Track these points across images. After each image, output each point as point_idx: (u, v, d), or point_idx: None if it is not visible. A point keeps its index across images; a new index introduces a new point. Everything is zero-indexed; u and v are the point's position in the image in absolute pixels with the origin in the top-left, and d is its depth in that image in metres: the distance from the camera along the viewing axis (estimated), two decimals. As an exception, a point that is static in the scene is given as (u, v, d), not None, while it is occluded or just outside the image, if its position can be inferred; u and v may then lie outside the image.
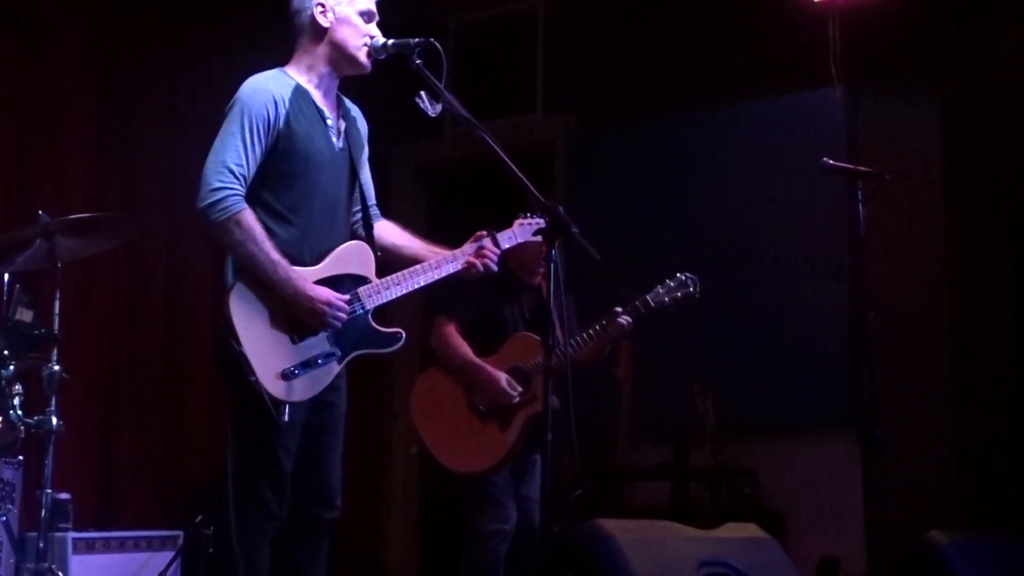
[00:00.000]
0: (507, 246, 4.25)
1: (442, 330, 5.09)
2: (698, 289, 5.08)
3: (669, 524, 4.67)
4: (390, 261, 4.09)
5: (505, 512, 4.97)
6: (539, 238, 4.42)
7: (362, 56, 3.95)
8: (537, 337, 4.99)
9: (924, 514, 5.88)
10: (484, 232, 4.17)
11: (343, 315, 3.82)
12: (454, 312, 5.09)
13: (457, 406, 5.03)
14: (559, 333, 4.51)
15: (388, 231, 4.17)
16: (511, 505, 4.99)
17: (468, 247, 4.12)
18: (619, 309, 5.02)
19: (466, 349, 5.06)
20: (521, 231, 4.34)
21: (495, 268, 4.14)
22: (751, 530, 4.77)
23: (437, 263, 4.05)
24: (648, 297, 5.04)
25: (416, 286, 4.03)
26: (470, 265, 4.09)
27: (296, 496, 3.88)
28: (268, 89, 3.84)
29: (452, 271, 4.07)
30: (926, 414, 6.16)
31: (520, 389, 4.96)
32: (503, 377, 4.97)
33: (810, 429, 6.42)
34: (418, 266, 4.04)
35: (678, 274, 5.09)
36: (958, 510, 6.03)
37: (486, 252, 4.10)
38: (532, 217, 4.39)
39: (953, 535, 4.66)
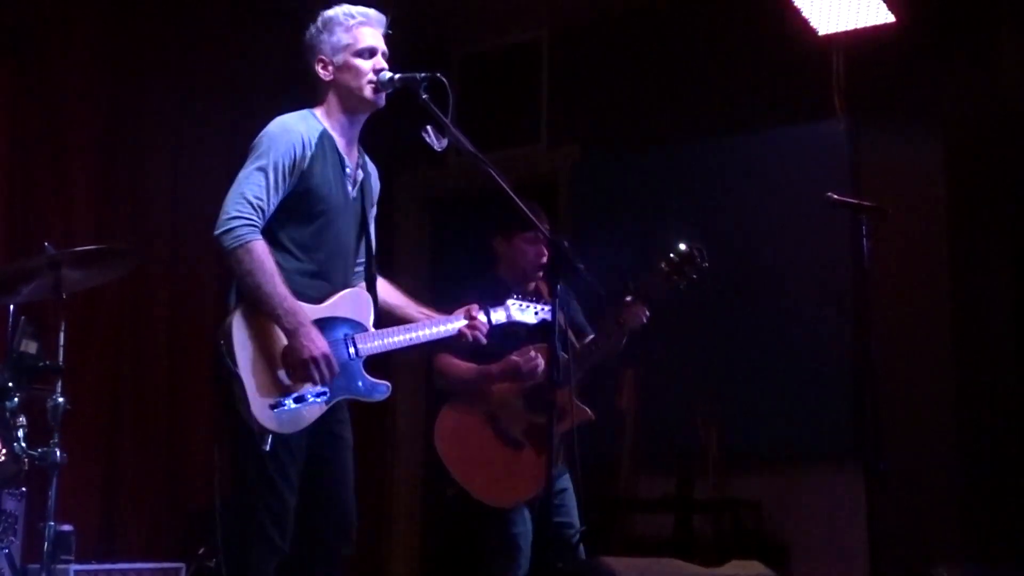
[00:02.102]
0: (496, 323, 4.31)
1: (441, 361, 4.89)
2: (706, 258, 4.80)
3: (674, 562, 4.64)
4: (383, 318, 4.12)
5: (522, 559, 4.79)
6: (528, 323, 4.44)
7: (369, 93, 3.98)
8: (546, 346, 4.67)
9: (929, 546, 5.87)
10: (475, 305, 4.24)
11: (329, 373, 3.81)
12: (450, 345, 4.75)
13: (486, 439, 4.82)
14: (565, 353, 4.44)
15: (385, 289, 4.21)
16: (527, 549, 4.86)
17: (459, 316, 4.20)
18: (629, 299, 4.83)
19: (469, 364, 4.84)
20: (509, 312, 4.39)
21: (484, 341, 4.22)
22: (756, 568, 4.74)
23: (433, 323, 4.14)
24: (657, 280, 4.83)
25: (409, 343, 4.09)
26: (461, 333, 4.18)
27: (314, 529, 3.88)
28: (297, 130, 3.90)
29: (446, 334, 4.17)
30: (930, 446, 6.16)
31: (537, 356, 4.72)
32: (516, 360, 4.74)
33: (814, 460, 6.42)
34: (414, 324, 4.13)
35: (680, 245, 4.83)
36: (963, 543, 6.01)
37: (477, 325, 4.20)
38: (525, 300, 4.43)
39: (958, 568, 4.64)
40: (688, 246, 4.83)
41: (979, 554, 5.86)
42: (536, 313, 4.44)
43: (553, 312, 3.88)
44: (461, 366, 4.87)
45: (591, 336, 4.91)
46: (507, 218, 4.34)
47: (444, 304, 4.33)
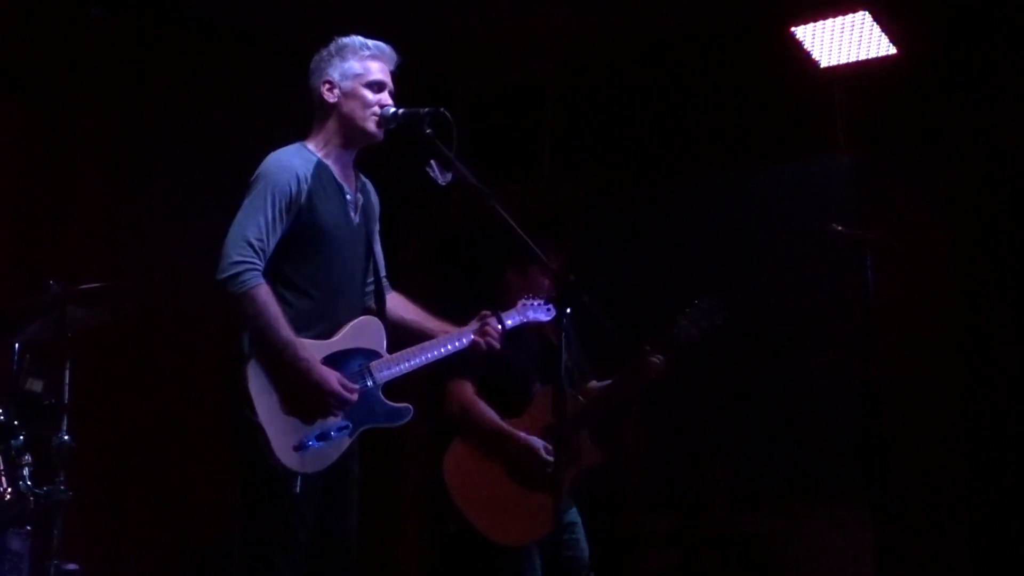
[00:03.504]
0: (510, 325, 4.32)
1: (462, 394, 4.89)
2: (723, 315, 4.88)
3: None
4: (397, 334, 4.11)
5: None
6: (542, 319, 4.47)
7: (371, 126, 3.98)
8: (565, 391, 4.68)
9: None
10: (488, 312, 4.24)
11: (346, 405, 3.83)
12: (468, 373, 4.89)
13: (497, 477, 4.81)
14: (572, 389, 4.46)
15: (397, 304, 4.22)
16: None
17: (473, 325, 4.19)
18: (648, 348, 4.85)
19: (492, 414, 4.86)
20: (524, 311, 4.44)
21: (498, 346, 4.20)
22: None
23: (444, 340, 4.12)
24: (674, 333, 4.86)
25: (425, 362, 4.08)
26: (475, 343, 4.16)
27: (312, 564, 3.85)
28: (292, 165, 3.89)
29: (459, 348, 4.14)
30: (939, 480, 6.13)
31: (552, 458, 4.74)
32: (540, 445, 4.78)
33: (822, 495, 6.39)
34: (427, 343, 4.10)
35: (696, 301, 4.89)
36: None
37: (490, 331, 4.18)
38: (534, 299, 4.49)
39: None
40: (707, 301, 4.89)
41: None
42: (548, 310, 4.49)
43: (559, 347, 3.88)
44: (482, 412, 4.87)
45: (607, 382, 4.93)
46: (521, 250, 4.38)
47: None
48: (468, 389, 4.90)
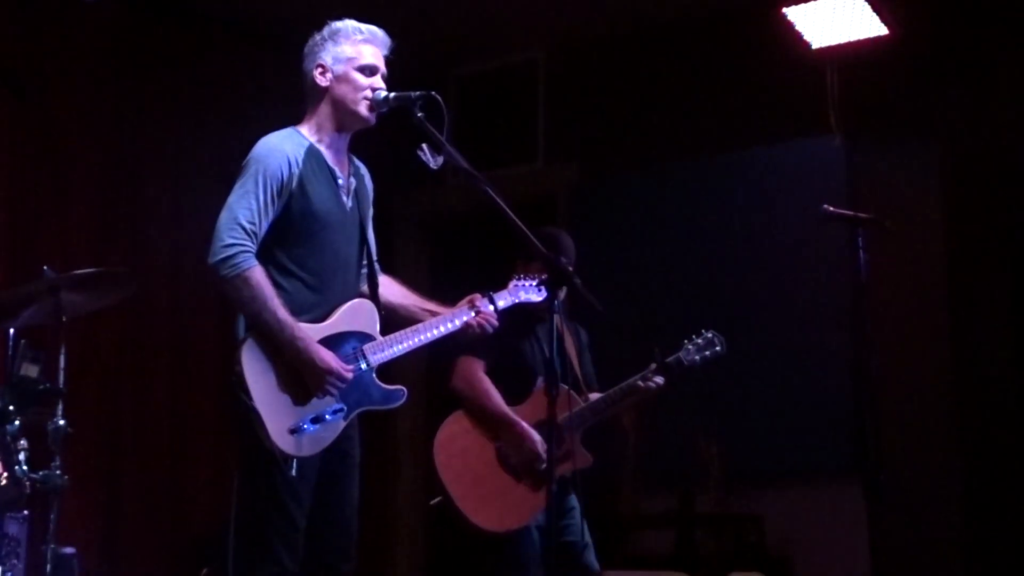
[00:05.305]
0: (502, 306, 4.29)
1: (470, 371, 4.85)
2: (725, 348, 4.98)
3: (676, 575, 4.65)
4: (389, 318, 4.12)
5: None
6: (534, 299, 4.45)
7: (363, 110, 3.99)
8: (570, 389, 4.69)
9: (930, 562, 5.87)
10: (478, 294, 4.23)
11: (343, 383, 3.85)
12: (481, 351, 4.82)
13: (487, 459, 4.80)
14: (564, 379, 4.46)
15: (389, 288, 4.22)
16: (536, 571, 4.77)
17: (463, 306, 4.18)
18: (654, 366, 4.89)
19: (498, 397, 4.83)
20: (515, 291, 4.41)
21: (490, 330, 4.20)
22: (757, 580, 4.75)
23: (437, 321, 4.12)
24: (680, 355, 4.93)
25: (418, 344, 4.08)
26: (468, 326, 4.15)
27: (313, 547, 3.87)
28: (283, 149, 3.90)
29: (452, 330, 4.14)
30: (931, 459, 6.16)
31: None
32: (538, 440, 4.74)
33: (815, 476, 6.42)
34: (420, 324, 4.10)
35: (704, 331, 4.98)
36: (964, 557, 6.00)
37: (484, 312, 4.18)
38: (526, 278, 4.44)
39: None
40: (711, 333, 4.98)
41: (981, 568, 5.85)
42: (540, 290, 4.40)
43: (551, 328, 3.88)
44: (488, 393, 4.84)
45: (605, 393, 4.94)
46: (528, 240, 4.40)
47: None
48: (478, 367, 4.86)
